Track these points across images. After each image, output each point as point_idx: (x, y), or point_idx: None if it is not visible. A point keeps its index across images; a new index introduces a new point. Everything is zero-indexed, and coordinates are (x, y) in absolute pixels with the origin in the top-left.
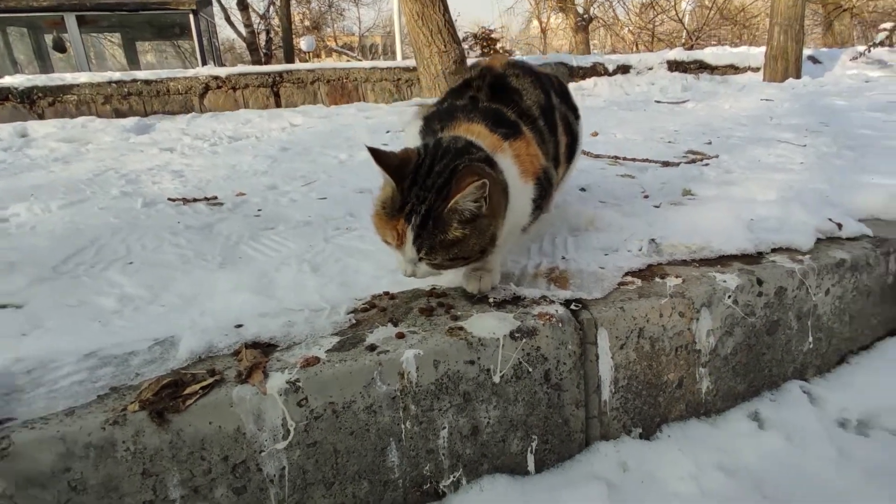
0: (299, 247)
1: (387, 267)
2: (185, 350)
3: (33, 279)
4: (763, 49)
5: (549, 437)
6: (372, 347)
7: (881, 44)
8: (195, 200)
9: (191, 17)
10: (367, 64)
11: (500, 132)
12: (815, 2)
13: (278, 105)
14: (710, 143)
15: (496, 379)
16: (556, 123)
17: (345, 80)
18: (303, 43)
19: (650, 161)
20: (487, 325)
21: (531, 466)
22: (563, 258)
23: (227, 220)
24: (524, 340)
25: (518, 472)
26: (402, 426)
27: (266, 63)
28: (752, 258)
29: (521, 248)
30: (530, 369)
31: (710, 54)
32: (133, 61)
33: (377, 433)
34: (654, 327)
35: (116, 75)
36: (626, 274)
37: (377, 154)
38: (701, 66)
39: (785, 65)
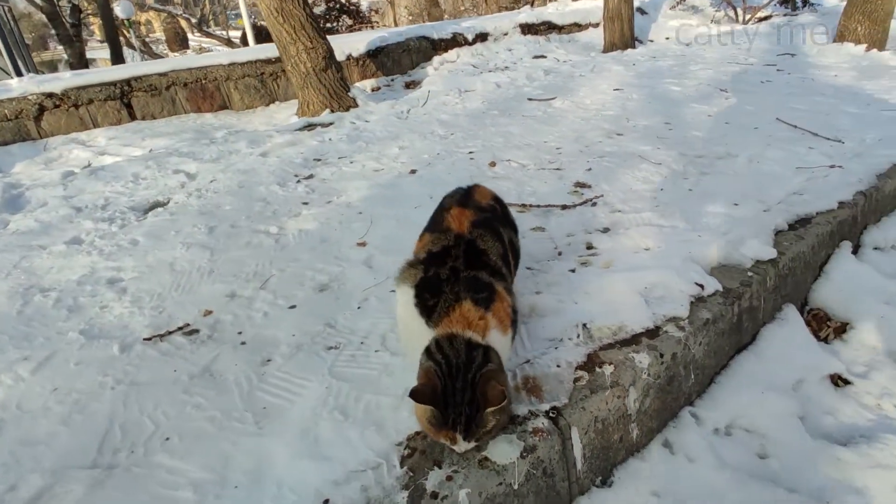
0: (315, 388)
1: (395, 394)
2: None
3: (88, 484)
4: (599, 2)
5: None
6: (434, 495)
7: None
8: (169, 333)
9: None
10: (224, 59)
11: (481, 299)
12: None
13: (132, 118)
14: (590, 169)
15: (515, 486)
16: (509, 258)
17: (204, 81)
18: (118, 9)
19: (552, 206)
20: (504, 450)
21: None
22: (528, 361)
23: (220, 358)
24: (529, 456)
25: None
26: None
27: (76, 38)
28: (653, 332)
29: None
30: (535, 472)
31: (555, 14)
32: None
33: None
34: (604, 412)
35: None
36: (577, 368)
37: (421, 397)
38: (549, 27)
39: (620, 25)
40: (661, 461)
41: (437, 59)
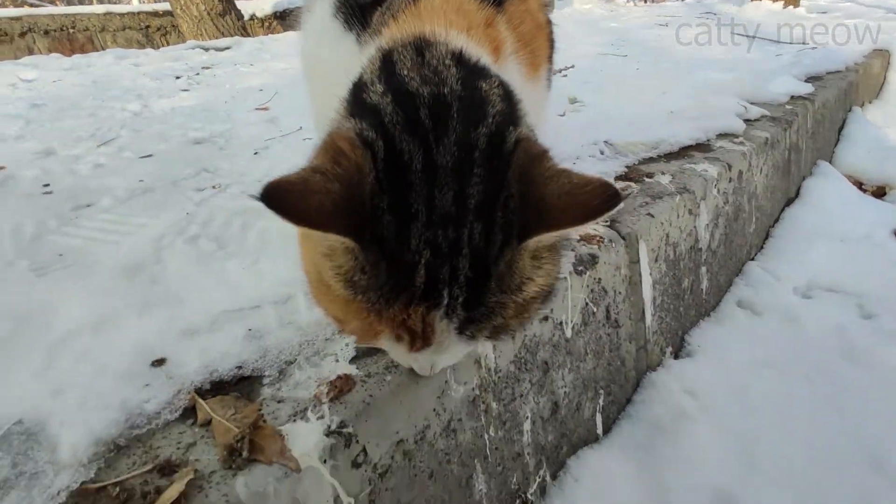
0: (166, 220)
1: None
2: (78, 439)
3: None
4: None
5: (612, 387)
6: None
7: None
8: None
9: None
10: (99, 8)
11: None
12: None
13: None
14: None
15: (568, 333)
16: None
17: (71, 31)
18: None
19: None
20: None
21: (599, 429)
22: None
23: None
24: (588, 274)
25: (590, 441)
26: (486, 436)
27: None
28: (705, 147)
29: None
30: (595, 309)
31: None
32: None
33: (460, 460)
34: (675, 230)
35: None
36: (616, 179)
37: (286, 198)
38: None
39: None
40: (747, 326)
41: None
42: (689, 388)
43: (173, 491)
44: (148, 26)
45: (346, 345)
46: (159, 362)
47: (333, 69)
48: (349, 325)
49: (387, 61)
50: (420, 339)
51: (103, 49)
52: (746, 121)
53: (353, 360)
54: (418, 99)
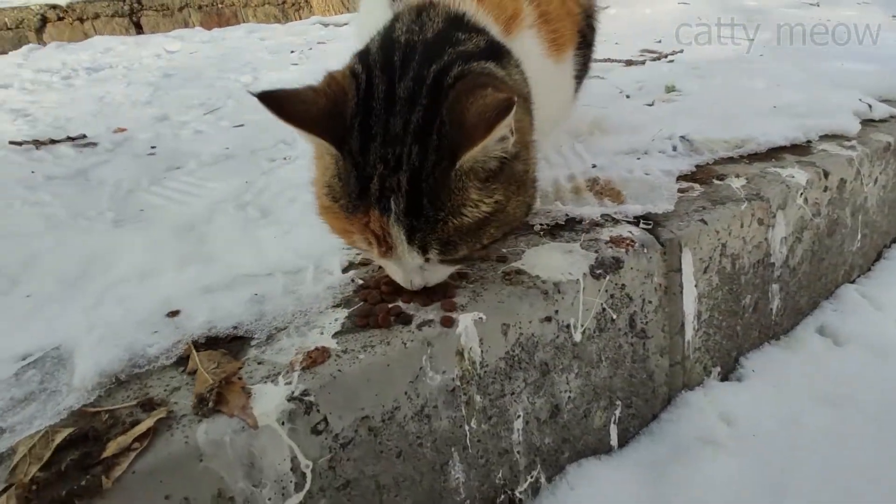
0: (230, 186)
1: None
2: (90, 369)
3: None
4: None
5: (634, 400)
6: (407, 319)
7: None
8: (53, 142)
9: None
10: None
11: None
12: None
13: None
14: (659, 41)
15: (577, 337)
16: None
17: (220, 6)
18: None
19: (611, 60)
20: (554, 262)
21: (614, 441)
22: (594, 166)
23: (110, 164)
24: (608, 278)
25: (601, 451)
26: (466, 427)
27: None
28: (803, 148)
29: None
30: (614, 316)
31: None
32: None
33: (434, 446)
34: (736, 241)
35: None
36: (679, 179)
37: (278, 99)
38: None
39: None
40: (822, 355)
41: None
42: (726, 412)
43: (143, 426)
44: (284, 2)
45: (336, 320)
46: (174, 313)
47: (370, 30)
48: (336, 230)
49: (394, 20)
50: (383, 243)
51: (245, 23)
52: (868, 121)
53: (336, 335)
54: (396, 45)
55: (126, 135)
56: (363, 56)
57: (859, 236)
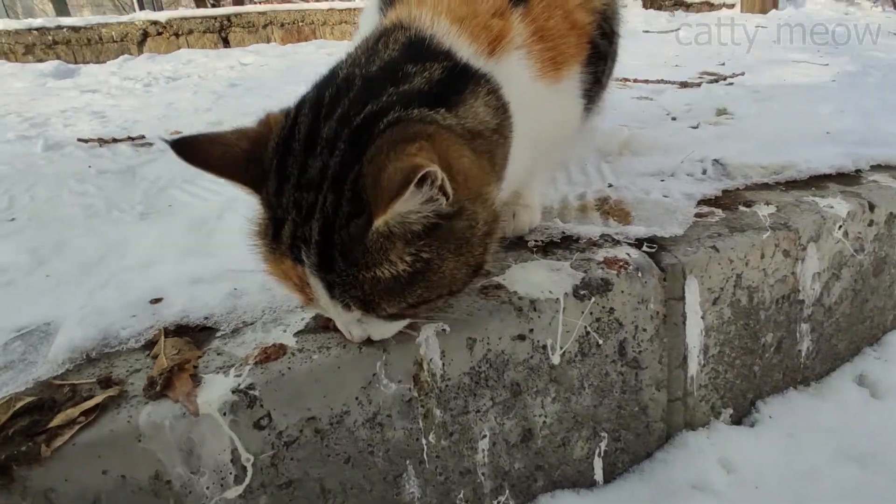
0: None
1: None
2: (63, 344)
3: None
4: None
5: (622, 433)
6: None
7: None
8: (115, 141)
9: None
10: (324, 5)
11: None
12: None
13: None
14: (723, 64)
15: (555, 360)
16: None
17: (300, 24)
18: None
19: (665, 82)
20: (536, 279)
21: (598, 475)
22: (611, 185)
23: (157, 162)
24: (593, 300)
25: (582, 485)
26: (424, 441)
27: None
28: (849, 178)
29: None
30: (600, 341)
31: None
32: (63, 13)
33: (386, 456)
34: (754, 272)
35: (37, 22)
36: (700, 203)
37: (190, 146)
38: (676, 3)
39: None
40: (856, 407)
41: None
42: (727, 458)
43: (93, 401)
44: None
45: (302, 319)
46: (156, 301)
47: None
48: (274, 276)
49: (361, 45)
50: (304, 292)
51: (320, 39)
52: None
53: (298, 334)
54: (335, 79)
55: (178, 136)
56: (309, 92)
57: None
